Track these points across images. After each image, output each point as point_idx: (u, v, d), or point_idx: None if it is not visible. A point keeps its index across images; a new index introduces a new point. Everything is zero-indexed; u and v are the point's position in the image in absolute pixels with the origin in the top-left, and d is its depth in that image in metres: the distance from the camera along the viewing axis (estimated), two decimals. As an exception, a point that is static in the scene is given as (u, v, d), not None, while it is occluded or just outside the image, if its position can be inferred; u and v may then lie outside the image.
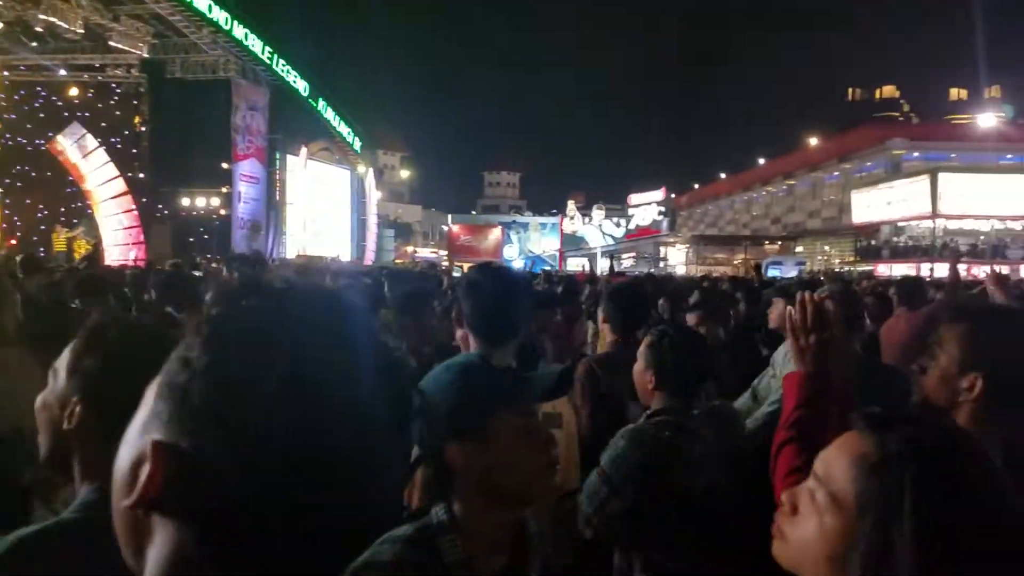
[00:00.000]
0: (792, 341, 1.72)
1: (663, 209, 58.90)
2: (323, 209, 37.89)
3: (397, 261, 41.53)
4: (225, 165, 30.53)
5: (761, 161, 70.02)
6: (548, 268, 42.52)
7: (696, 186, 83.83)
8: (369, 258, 39.54)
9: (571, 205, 67.15)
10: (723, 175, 77.59)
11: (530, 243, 60.91)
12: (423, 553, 1.30)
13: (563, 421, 2.48)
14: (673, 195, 68.30)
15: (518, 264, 50.52)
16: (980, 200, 38.21)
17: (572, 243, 64.61)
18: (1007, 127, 56.51)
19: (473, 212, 73.73)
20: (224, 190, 31.51)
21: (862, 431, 0.98)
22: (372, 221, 42.48)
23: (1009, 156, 46.26)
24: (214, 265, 15.40)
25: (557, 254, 60.69)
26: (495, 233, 53.06)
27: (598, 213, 64.80)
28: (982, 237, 40.86)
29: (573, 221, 65.39)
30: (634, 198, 62.04)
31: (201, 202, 32.44)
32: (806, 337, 1.69)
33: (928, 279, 13.28)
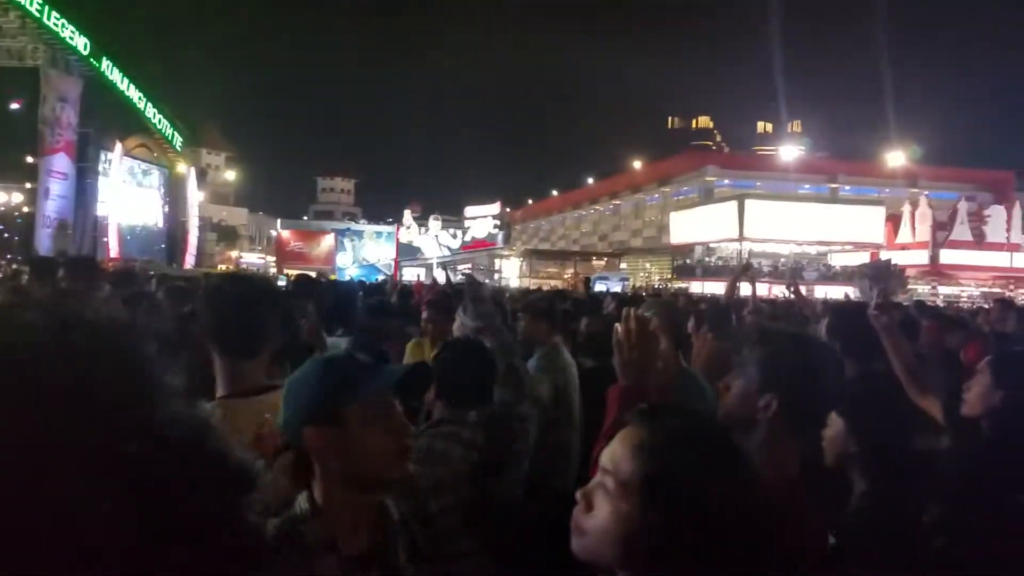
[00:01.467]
0: (617, 355, 1.82)
1: (498, 222, 60.07)
2: (138, 209, 35.39)
3: (220, 267, 39.44)
4: (31, 159, 27.88)
5: (590, 181, 73.19)
6: (383, 277, 42.07)
7: (530, 201, 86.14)
8: (188, 262, 37.28)
9: (408, 214, 66.76)
10: (555, 192, 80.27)
11: (365, 251, 59.88)
12: (287, 540, 1.37)
13: None
14: (508, 209, 69.80)
15: (352, 272, 49.55)
16: (781, 225, 41.95)
17: (408, 253, 64.26)
18: (806, 159, 62.65)
19: (305, 218, 71.51)
20: (29, 186, 28.74)
21: (636, 423, 1.13)
22: (193, 223, 40.07)
23: (807, 186, 51.27)
24: (14, 267, 13.93)
25: (393, 263, 60.15)
26: (327, 240, 51.64)
27: (435, 224, 64.90)
28: (782, 259, 44.91)
29: (409, 231, 65.07)
30: (470, 210, 62.80)
31: (2, 198, 29.40)
32: (629, 352, 1.80)
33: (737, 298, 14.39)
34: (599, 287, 31.42)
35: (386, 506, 1.55)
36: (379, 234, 61.52)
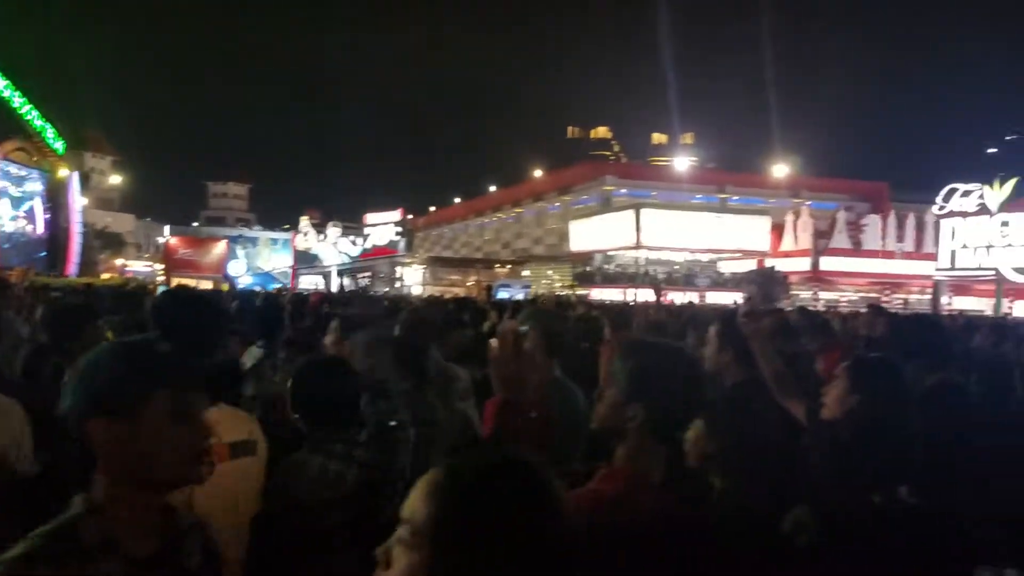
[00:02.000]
0: (492, 368, 1.81)
1: (400, 229, 59.42)
2: (15, 215, 33.28)
3: (105, 276, 37.44)
4: None
5: (492, 189, 73.56)
6: (280, 287, 40.97)
7: (433, 209, 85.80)
8: (71, 270, 35.23)
9: (305, 221, 65.21)
10: (458, 200, 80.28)
11: (259, 259, 58.24)
12: (60, 543, 1.25)
13: (257, 449, 2.46)
14: (411, 216, 69.25)
15: (246, 281, 47.99)
16: (675, 234, 43.36)
17: (306, 260, 62.84)
18: (698, 171, 64.99)
19: (195, 224, 68.96)
20: None
21: (437, 467, 1.05)
22: (75, 230, 37.87)
23: (699, 196, 53.20)
24: None
25: (289, 271, 58.64)
26: (219, 247, 49.77)
27: (334, 230, 63.65)
28: (676, 267, 46.42)
29: (307, 238, 63.62)
30: (371, 217, 61.91)
31: None
32: (504, 365, 1.79)
33: (633, 303, 14.85)
34: (501, 294, 31.65)
35: (174, 509, 1.44)
36: (274, 241, 60.02)
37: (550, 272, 56.07)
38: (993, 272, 30.73)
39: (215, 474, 1.50)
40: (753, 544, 2.00)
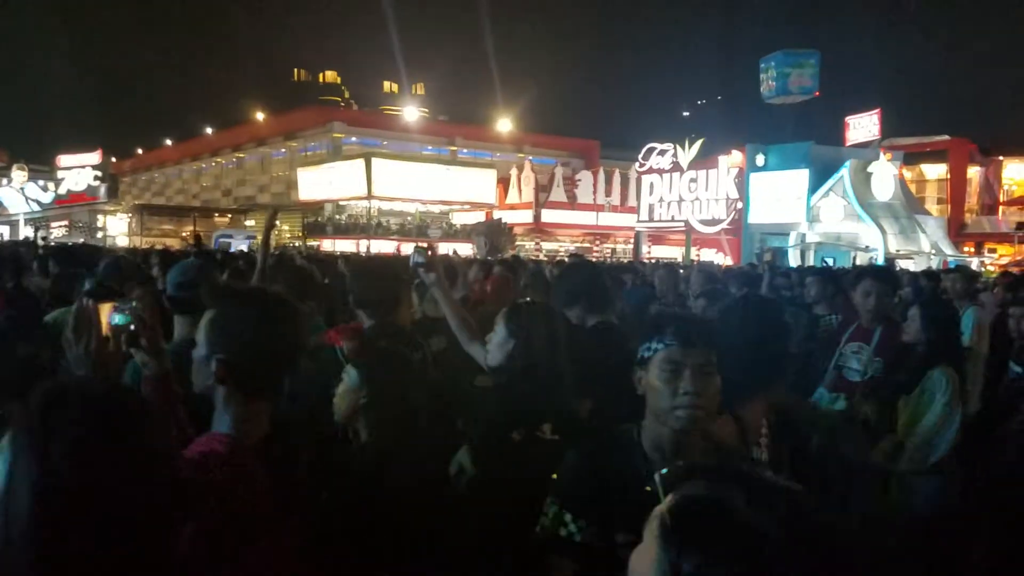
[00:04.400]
0: (67, 349, 1.72)
1: (99, 174, 53.14)
2: None
3: None
4: None
5: (209, 131, 68.25)
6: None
7: (140, 151, 77.71)
8: None
9: (-19, 163, 56.03)
10: (169, 142, 73.45)
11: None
12: None
13: None
14: (113, 159, 62.15)
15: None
16: (406, 185, 43.53)
17: (-16, 208, 54.19)
18: (429, 122, 65.53)
19: None
20: None
21: None
22: None
23: (429, 147, 53.77)
24: None
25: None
26: None
27: (19, 174, 55.38)
28: (409, 218, 46.73)
29: (-15, 182, 54.75)
30: (64, 159, 54.64)
31: None
32: (78, 345, 1.71)
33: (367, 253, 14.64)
34: (227, 245, 29.71)
35: None
36: (-58, 185, 50.98)
37: (277, 222, 53.67)
38: (683, 223, 34.78)
39: None
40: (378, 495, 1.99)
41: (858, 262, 24.09)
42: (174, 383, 1.86)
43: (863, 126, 35.09)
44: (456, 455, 2.59)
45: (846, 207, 29.30)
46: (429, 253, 3.05)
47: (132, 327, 1.78)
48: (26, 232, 46.86)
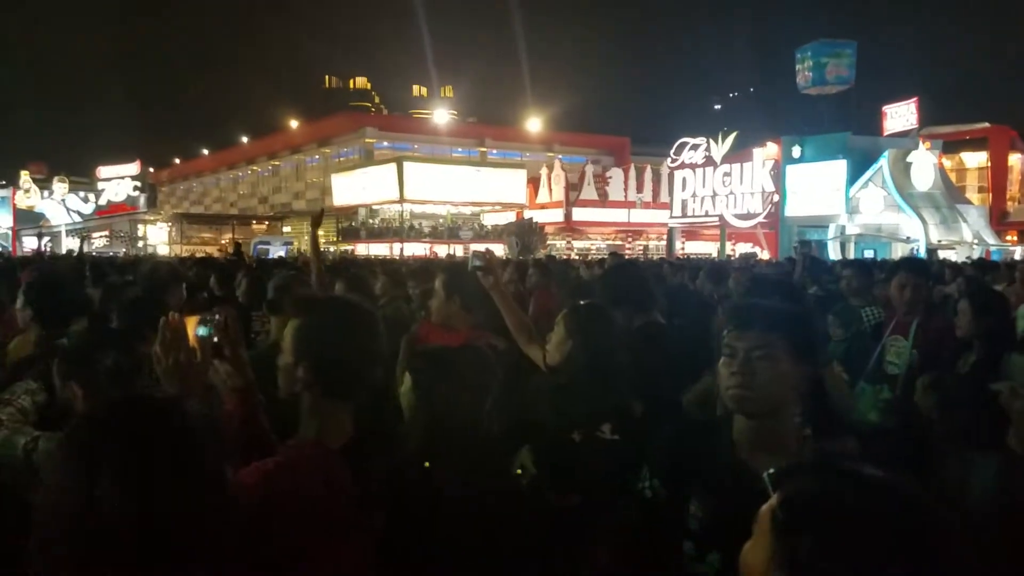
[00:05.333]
0: (156, 363, 1.76)
1: (139, 184, 54.17)
2: None
3: None
4: None
5: (245, 140, 69.25)
6: (-4, 250, 35.83)
7: (177, 161, 79.11)
8: None
9: (25, 176, 57.36)
10: (207, 152, 74.66)
11: (-31, 219, 50.58)
12: None
13: None
14: (152, 169, 63.36)
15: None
16: (437, 187, 43.74)
17: (30, 220, 55.52)
18: (458, 124, 65.80)
19: None
20: None
21: None
22: None
23: (459, 149, 53.98)
24: None
25: (10, 233, 51.64)
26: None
27: (61, 186, 56.65)
28: (440, 220, 46.95)
29: (29, 195, 56.10)
30: (104, 171, 55.77)
31: None
32: (166, 359, 1.74)
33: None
34: (265, 252, 30.19)
35: None
36: (-10, 199, 52.35)
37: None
38: (718, 218, 34.47)
39: None
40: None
41: (899, 253, 23.72)
42: (257, 393, 1.92)
43: (901, 115, 34.44)
44: (518, 454, 2.64)
45: (886, 198, 28.82)
46: (488, 257, 3.11)
47: (216, 339, 1.85)
48: (68, 243, 47.95)
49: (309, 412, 1.69)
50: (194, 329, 1.82)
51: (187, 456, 1.18)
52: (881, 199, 28.94)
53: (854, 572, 0.82)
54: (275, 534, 1.51)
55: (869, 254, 21.71)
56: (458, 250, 32.31)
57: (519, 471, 2.62)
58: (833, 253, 26.40)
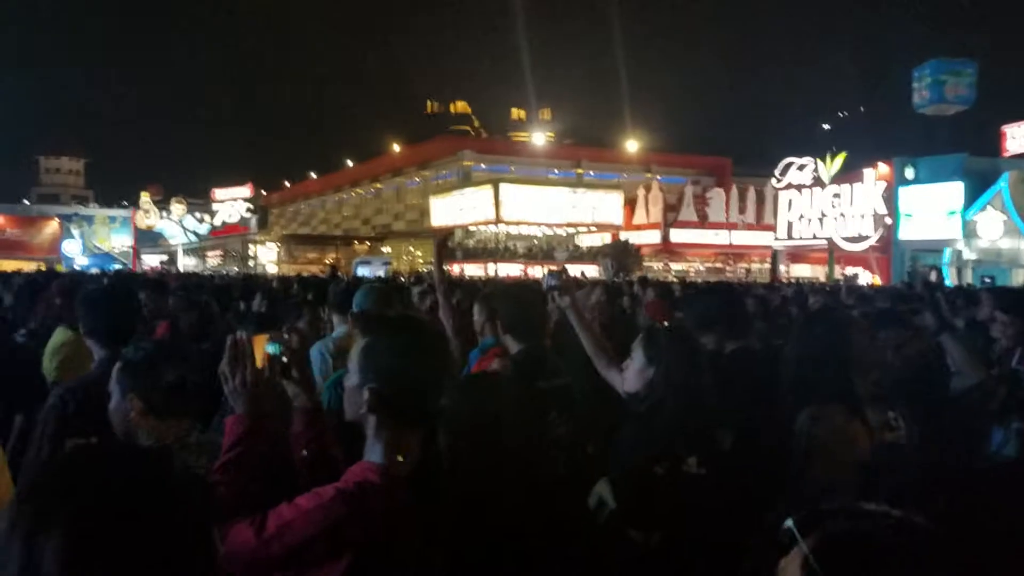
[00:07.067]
0: (223, 383, 1.73)
1: (251, 206, 56.90)
2: None
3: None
4: None
5: (350, 163, 71.72)
6: (120, 267, 38.28)
7: (287, 184, 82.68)
8: None
9: (145, 197, 61.17)
10: (314, 175, 77.74)
11: (96, 238, 54.23)
12: None
13: None
14: (263, 192, 66.44)
15: (82, 262, 44.57)
16: (533, 208, 43.97)
17: (149, 239, 59.15)
18: (555, 146, 66.12)
19: (26, 202, 63.08)
20: None
21: None
22: None
23: (556, 171, 54.15)
24: None
25: (131, 251, 55.08)
26: (51, 226, 46.07)
27: (178, 207, 60.10)
28: (535, 241, 47.12)
29: (149, 215, 59.73)
30: (219, 193, 58.89)
31: None
32: (233, 379, 1.71)
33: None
34: (361, 271, 31.04)
35: None
36: (113, 219, 56.03)
37: (412, 248, 55.59)
38: (826, 241, 33.17)
39: None
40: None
41: (1021, 280, 22.19)
42: (324, 413, 1.88)
43: (1021, 135, 32.35)
44: (595, 487, 2.51)
45: (1006, 222, 27.05)
46: (563, 276, 3.00)
47: (284, 359, 1.81)
48: (184, 262, 50.71)
49: (374, 436, 1.63)
50: (263, 348, 1.79)
51: (158, 526, 0.94)
52: (1001, 223, 27.20)
53: None
54: (328, 563, 1.45)
55: (988, 281, 20.36)
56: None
57: (597, 503, 2.49)
58: (950, 279, 24.95)
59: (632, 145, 56.56)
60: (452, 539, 1.69)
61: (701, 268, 43.34)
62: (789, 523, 0.91)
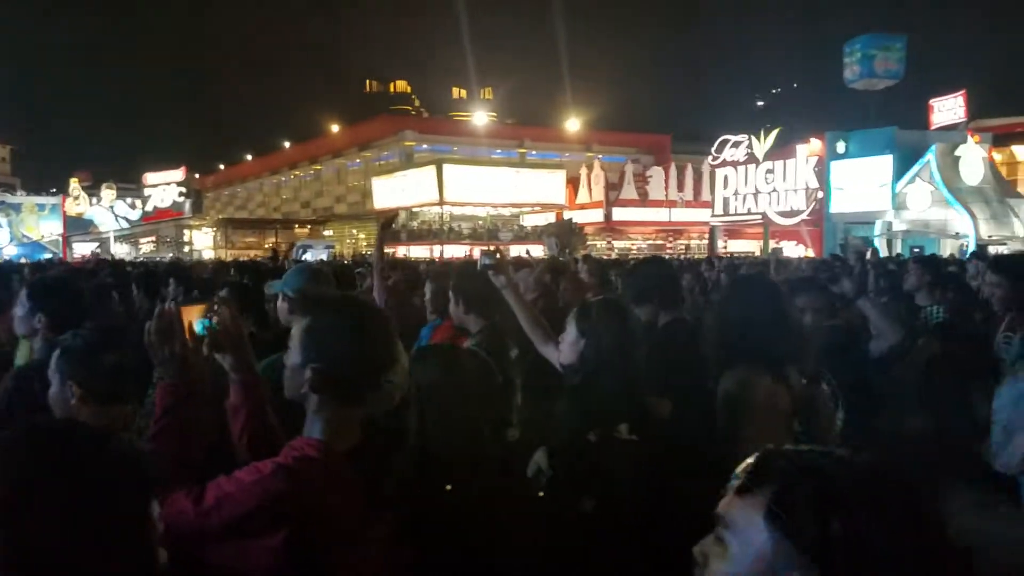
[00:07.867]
0: (151, 353, 1.74)
1: (184, 190, 55.36)
2: None
3: None
4: None
5: (287, 145, 70.29)
6: (50, 256, 36.90)
7: (222, 167, 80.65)
8: None
9: (75, 183, 58.93)
10: (250, 157, 75.97)
11: (24, 227, 52.17)
12: None
13: None
14: (196, 175, 64.69)
15: (10, 252, 42.87)
16: (477, 189, 43.84)
17: (80, 227, 57.10)
18: (497, 126, 65.93)
19: (-55, 191, 60.19)
20: None
21: None
22: None
23: (498, 151, 54.03)
24: None
25: (60, 239, 53.14)
26: (-27, 216, 43.96)
27: (108, 193, 58.15)
28: (480, 222, 47.03)
29: (78, 202, 57.63)
30: (150, 177, 57.14)
31: None
32: (160, 347, 1.72)
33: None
34: (303, 255, 30.53)
35: None
36: (41, 207, 53.92)
37: (355, 231, 54.91)
38: (761, 216, 33.92)
39: None
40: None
41: (948, 250, 23.08)
42: (263, 388, 1.88)
43: (948, 109, 33.48)
44: (534, 456, 2.58)
45: (933, 193, 28.05)
46: (498, 256, 3.05)
47: (215, 329, 1.80)
48: (116, 249, 49.17)
49: (314, 414, 1.64)
50: (192, 318, 1.79)
51: (93, 500, 0.97)
52: (929, 194, 28.19)
53: (896, 539, 0.84)
54: (266, 536, 1.47)
55: (917, 251, 21.13)
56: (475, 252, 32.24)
57: (535, 471, 2.57)
58: (880, 250, 25.79)
59: (573, 124, 56.78)
60: (403, 510, 1.72)
61: (643, 245, 43.88)
62: (741, 470, 0.93)
